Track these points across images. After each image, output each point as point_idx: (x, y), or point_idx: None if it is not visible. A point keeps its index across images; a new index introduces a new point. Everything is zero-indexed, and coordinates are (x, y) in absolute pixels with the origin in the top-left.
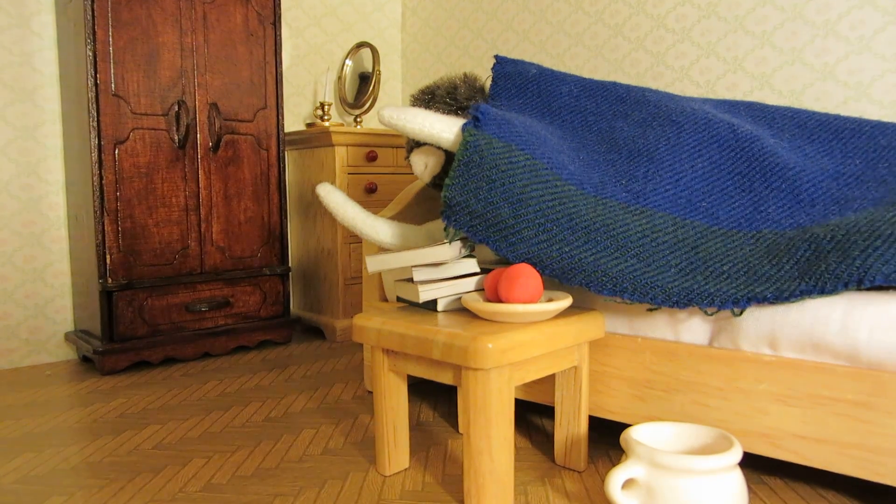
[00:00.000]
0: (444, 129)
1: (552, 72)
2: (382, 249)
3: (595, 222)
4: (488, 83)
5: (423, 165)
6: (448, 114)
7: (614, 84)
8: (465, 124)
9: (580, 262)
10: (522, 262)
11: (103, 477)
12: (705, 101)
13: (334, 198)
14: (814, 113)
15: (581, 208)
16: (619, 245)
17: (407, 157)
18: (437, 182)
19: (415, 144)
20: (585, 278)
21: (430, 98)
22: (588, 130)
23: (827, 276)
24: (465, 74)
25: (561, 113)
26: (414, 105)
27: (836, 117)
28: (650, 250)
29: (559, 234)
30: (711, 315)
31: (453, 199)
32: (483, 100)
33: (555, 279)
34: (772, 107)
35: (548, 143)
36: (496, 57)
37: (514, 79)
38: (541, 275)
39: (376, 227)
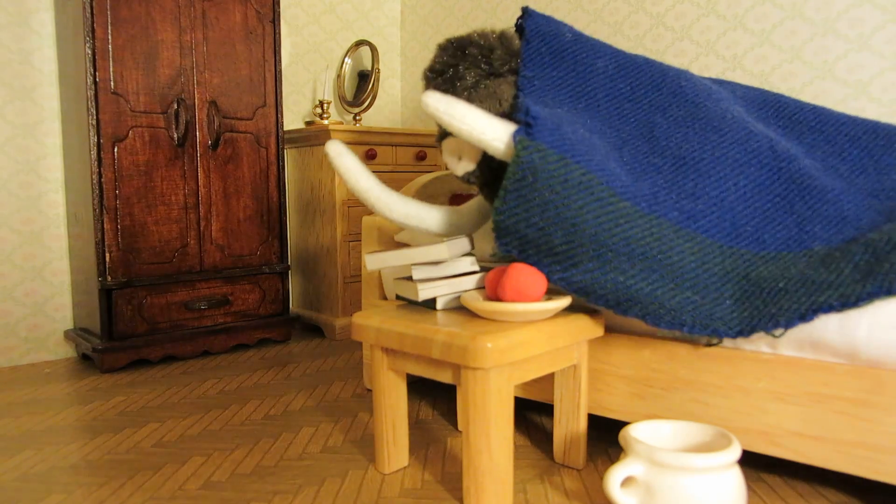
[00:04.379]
0: (496, 137)
1: (586, 39)
2: (383, 245)
3: (651, 248)
4: (516, 41)
5: (457, 158)
6: (478, 79)
7: (647, 63)
8: (516, 132)
9: (636, 294)
10: (575, 291)
11: (102, 475)
12: (734, 89)
13: (345, 162)
14: (839, 122)
15: (636, 231)
16: (675, 276)
17: (438, 142)
18: (470, 180)
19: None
20: (642, 310)
21: (461, 56)
22: (625, 121)
23: (893, 276)
24: (502, 33)
25: (596, 96)
26: (442, 60)
27: (861, 126)
28: (704, 281)
29: (614, 261)
30: (779, 336)
31: (505, 224)
32: (515, 66)
33: (609, 310)
34: (799, 111)
35: (597, 148)
36: (525, 9)
37: (550, 41)
38: (597, 305)
39: (390, 205)
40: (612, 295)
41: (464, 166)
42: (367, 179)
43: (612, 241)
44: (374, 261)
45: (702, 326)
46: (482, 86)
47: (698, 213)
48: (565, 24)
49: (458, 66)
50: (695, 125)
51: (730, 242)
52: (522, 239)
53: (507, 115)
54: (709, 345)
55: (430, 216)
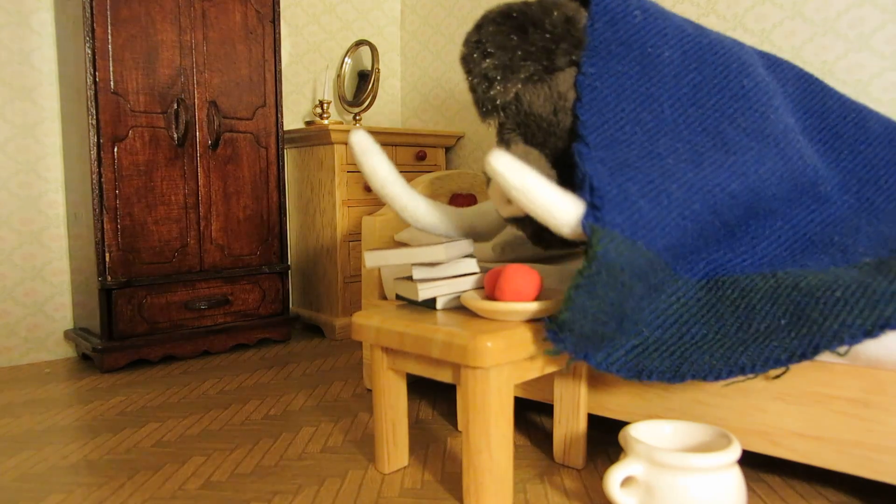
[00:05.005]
0: (564, 222)
1: (654, 18)
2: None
3: (698, 322)
4: (579, 24)
5: (505, 202)
6: (534, 73)
7: (711, 49)
8: (586, 217)
9: (683, 364)
10: (614, 371)
11: (102, 475)
12: (784, 81)
13: (372, 163)
14: (878, 139)
15: (687, 312)
16: (722, 325)
17: (487, 184)
18: (517, 225)
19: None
20: (698, 372)
21: (519, 39)
22: (694, 131)
23: None
24: (568, 18)
25: (660, 98)
26: (495, 39)
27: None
28: (750, 313)
29: (661, 342)
30: (844, 354)
31: (567, 322)
32: (577, 58)
33: (664, 382)
34: (841, 122)
35: (668, 196)
36: None
37: (617, 25)
38: (650, 381)
39: (416, 216)
40: (657, 371)
41: (511, 210)
42: (394, 185)
43: (663, 324)
44: (374, 258)
45: (762, 363)
46: (538, 81)
47: (746, 252)
48: None
49: (516, 51)
50: (761, 145)
51: (773, 269)
52: (579, 335)
53: (564, 112)
54: (776, 377)
55: (451, 222)
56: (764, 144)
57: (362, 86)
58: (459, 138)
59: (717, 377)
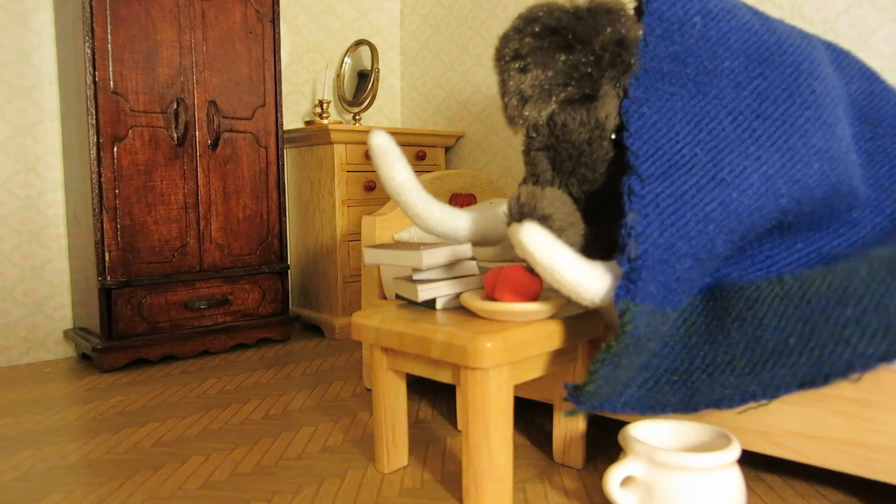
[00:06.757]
0: (589, 298)
1: (718, 23)
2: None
3: (706, 342)
4: (631, 36)
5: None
6: (576, 96)
7: (779, 48)
8: (620, 293)
9: (694, 395)
10: (629, 410)
11: (102, 474)
12: (848, 80)
13: (391, 169)
14: None
15: (696, 333)
16: (727, 354)
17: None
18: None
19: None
20: (706, 405)
21: (563, 55)
22: (761, 146)
23: None
24: (618, 41)
25: (718, 116)
26: (530, 46)
27: None
28: (755, 334)
29: (671, 371)
30: (856, 381)
31: (592, 394)
32: (624, 83)
33: (679, 413)
34: (892, 130)
35: (709, 267)
36: None
37: (672, 38)
38: (664, 414)
39: (429, 223)
40: (670, 404)
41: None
42: (409, 192)
43: (674, 367)
44: (371, 255)
45: (773, 390)
46: (576, 103)
47: (759, 271)
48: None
49: (558, 74)
50: (824, 166)
51: (779, 274)
52: (601, 397)
53: (598, 142)
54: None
55: (463, 231)
56: (828, 166)
57: (362, 85)
58: (459, 138)
59: (730, 405)
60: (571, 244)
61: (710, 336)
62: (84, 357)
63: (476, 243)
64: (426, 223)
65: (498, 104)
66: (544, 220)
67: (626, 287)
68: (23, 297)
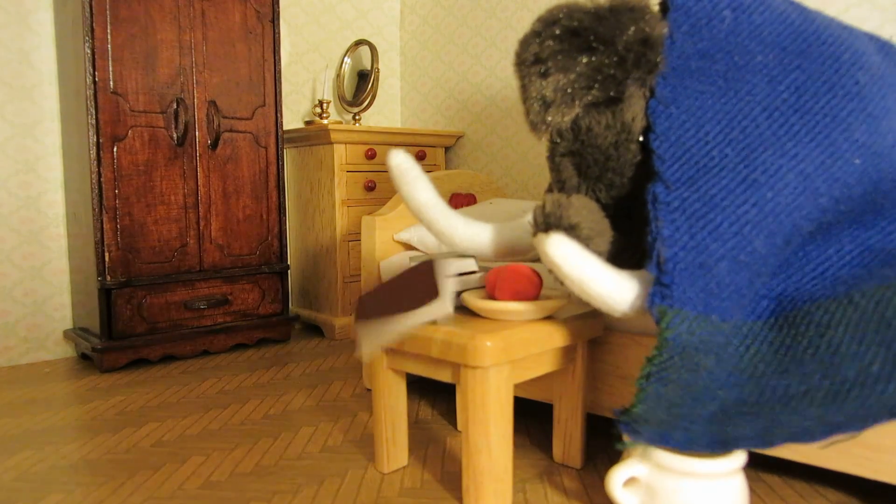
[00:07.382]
0: (620, 309)
1: (750, 17)
2: (382, 243)
3: (777, 372)
4: (655, 34)
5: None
6: (600, 99)
7: (819, 44)
8: (653, 298)
9: (773, 427)
10: (696, 448)
11: (102, 474)
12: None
13: (411, 189)
14: None
15: (762, 361)
16: (802, 384)
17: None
18: None
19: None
20: (786, 439)
21: (586, 57)
22: (801, 144)
23: None
24: (643, 40)
25: (752, 113)
26: (553, 49)
27: None
28: (832, 361)
29: (741, 402)
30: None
31: (641, 415)
32: (651, 83)
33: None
34: None
35: (751, 273)
36: None
37: (700, 34)
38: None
39: (453, 239)
40: (752, 436)
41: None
42: (431, 210)
43: (731, 379)
44: (369, 333)
45: (861, 422)
46: (601, 106)
47: (816, 279)
48: None
49: (580, 77)
50: (868, 164)
51: (847, 290)
52: (652, 423)
53: (625, 146)
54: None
55: (488, 245)
56: (870, 162)
57: (362, 85)
58: (459, 138)
59: (812, 439)
60: (600, 253)
61: (780, 365)
62: (84, 357)
63: (503, 258)
64: (451, 240)
65: (498, 104)
66: (571, 230)
67: (659, 292)
68: (23, 297)
